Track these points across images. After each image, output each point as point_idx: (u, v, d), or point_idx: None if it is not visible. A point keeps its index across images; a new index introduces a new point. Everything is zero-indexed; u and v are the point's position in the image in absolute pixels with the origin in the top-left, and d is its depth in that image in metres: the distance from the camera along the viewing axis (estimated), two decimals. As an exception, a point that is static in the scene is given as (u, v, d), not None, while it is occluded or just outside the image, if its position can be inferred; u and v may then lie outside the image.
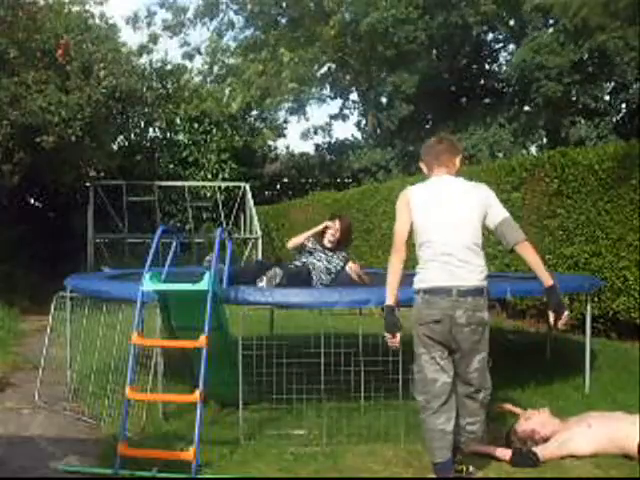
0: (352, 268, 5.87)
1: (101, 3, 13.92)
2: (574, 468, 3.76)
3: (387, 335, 3.43)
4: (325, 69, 19.54)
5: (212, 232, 13.56)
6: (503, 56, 19.19)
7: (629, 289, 7.43)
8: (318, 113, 60.21)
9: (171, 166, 19.09)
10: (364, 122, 21.08)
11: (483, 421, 3.50)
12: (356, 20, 16.35)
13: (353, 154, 19.34)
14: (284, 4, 18.23)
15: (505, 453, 3.87)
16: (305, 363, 4.30)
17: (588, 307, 5.60)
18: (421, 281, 3.41)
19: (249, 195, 16.99)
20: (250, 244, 16.19)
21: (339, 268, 5.76)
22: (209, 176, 18.95)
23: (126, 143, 18.83)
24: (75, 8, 13.27)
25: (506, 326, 8.94)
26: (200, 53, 20.48)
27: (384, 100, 19.29)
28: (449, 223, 3.37)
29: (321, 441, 4.15)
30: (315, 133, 21.86)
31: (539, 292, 5.16)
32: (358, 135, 22.27)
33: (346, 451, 4.02)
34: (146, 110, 16.57)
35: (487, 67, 19.28)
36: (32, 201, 17.38)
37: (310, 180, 21.38)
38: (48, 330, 5.67)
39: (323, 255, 5.80)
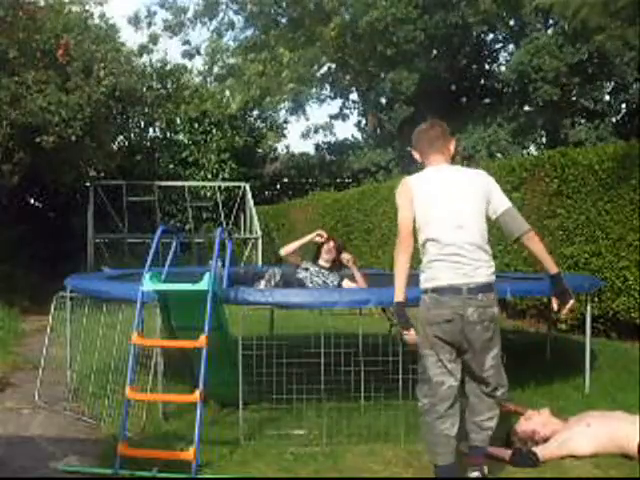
0: (346, 258, 5.95)
1: (101, 3, 13.94)
2: (574, 468, 3.76)
3: (403, 332, 3.30)
4: (325, 69, 19.57)
5: (212, 232, 13.57)
6: (503, 56, 19.23)
7: (629, 289, 7.43)
8: (318, 113, 60.24)
9: (171, 166, 19.11)
10: (364, 122, 21.10)
11: (498, 416, 3.42)
12: (356, 20, 16.35)
13: (353, 154, 19.35)
14: (284, 4, 18.23)
15: (505, 453, 3.87)
16: (305, 363, 4.30)
17: (588, 307, 5.59)
18: (428, 280, 3.28)
19: (249, 195, 17.00)
20: (250, 244, 16.19)
21: (335, 284, 5.80)
22: (209, 176, 18.97)
23: (126, 143, 18.85)
24: (75, 8, 13.27)
25: (506, 326, 8.92)
26: (199, 53, 20.51)
27: (384, 101, 19.30)
28: (454, 218, 3.24)
29: (321, 441, 4.15)
30: (316, 132, 21.88)
31: (539, 292, 5.14)
32: (358, 135, 22.31)
33: (346, 451, 4.02)
34: (146, 110, 16.59)
35: (487, 67, 19.29)
36: (32, 201, 17.39)
37: (310, 180, 21.39)
38: (48, 330, 5.67)
39: (320, 272, 5.85)
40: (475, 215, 3.28)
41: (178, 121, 19.65)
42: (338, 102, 21.55)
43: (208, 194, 18.43)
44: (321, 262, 5.96)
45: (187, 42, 20.52)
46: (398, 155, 17.78)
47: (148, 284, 4.15)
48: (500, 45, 19.27)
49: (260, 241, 15.92)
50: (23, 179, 11.73)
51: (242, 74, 18.34)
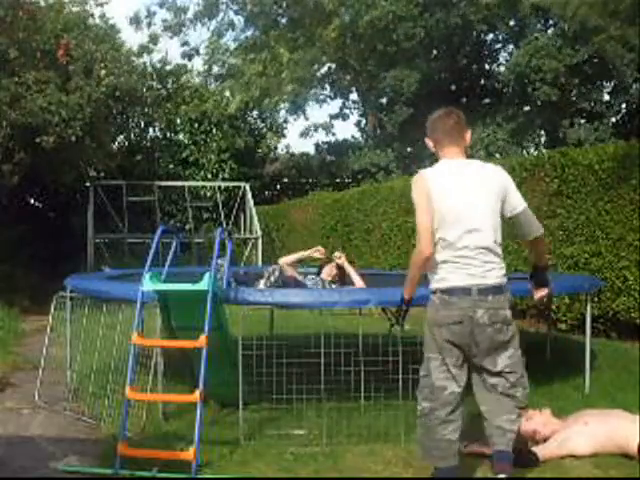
0: (337, 255, 6.00)
1: (101, 4, 13.94)
2: (574, 468, 3.76)
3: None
4: (325, 69, 19.58)
5: (212, 232, 13.57)
6: (503, 56, 19.23)
7: (629, 289, 7.43)
8: (318, 113, 60.29)
9: (171, 166, 19.10)
10: (364, 122, 21.10)
11: (518, 421, 3.30)
12: (356, 20, 16.36)
13: (353, 155, 19.35)
14: (284, 4, 18.23)
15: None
16: (305, 363, 4.30)
17: (588, 307, 5.59)
18: (438, 281, 3.21)
19: (249, 195, 17.00)
20: (250, 244, 16.20)
21: None
22: (209, 176, 18.97)
23: (126, 143, 18.85)
24: (75, 8, 13.27)
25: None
26: (199, 53, 20.52)
27: (384, 101, 19.29)
28: (468, 221, 3.16)
29: (321, 441, 4.15)
30: (315, 131, 21.88)
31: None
32: (358, 135, 22.31)
33: (346, 451, 4.02)
34: (146, 110, 16.58)
35: (487, 67, 19.29)
36: (32, 201, 17.39)
37: (310, 180, 21.39)
38: (48, 330, 5.67)
39: (321, 283, 5.87)
40: (489, 215, 3.20)
41: (178, 121, 19.65)
42: (338, 102, 21.58)
43: (208, 194, 18.42)
44: (323, 276, 5.99)
45: (186, 43, 20.55)
46: (398, 156, 17.79)
47: (148, 284, 4.15)
48: (500, 45, 19.29)
49: (260, 241, 15.92)
50: (23, 179, 11.73)
51: (242, 74, 18.34)
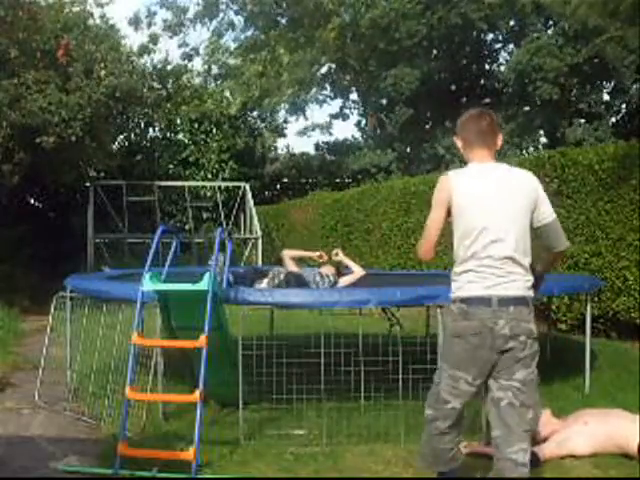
0: (334, 252, 6.14)
1: (102, 5, 13.94)
2: (574, 468, 3.77)
3: None
4: (325, 69, 19.59)
5: (212, 232, 13.57)
6: (503, 56, 19.25)
7: (629, 289, 7.43)
8: (318, 113, 60.27)
9: (171, 166, 19.10)
10: (364, 122, 21.11)
11: (530, 451, 3.03)
12: (356, 20, 16.37)
13: (353, 155, 19.35)
14: (284, 4, 18.24)
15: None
16: (305, 363, 4.30)
17: (588, 307, 5.60)
18: (458, 289, 3.06)
19: (249, 195, 17.00)
20: (250, 244, 16.19)
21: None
22: (209, 176, 18.97)
23: (126, 143, 18.85)
24: (75, 8, 13.27)
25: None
26: (198, 54, 20.54)
27: (384, 101, 19.30)
28: (493, 230, 3.00)
29: (321, 441, 4.15)
30: (313, 130, 21.92)
31: (540, 292, 5.15)
32: (358, 135, 22.33)
33: (346, 451, 4.03)
34: (146, 110, 16.57)
35: (487, 67, 19.31)
36: (32, 201, 17.38)
37: (310, 180, 21.40)
38: (48, 330, 5.67)
39: (319, 275, 5.91)
40: (517, 225, 3.04)
41: (178, 121, 19.65)
42: (338, 102, 21.62)
43: (208, 194, 18.42)
44: (322, 271, 6.04)
45: (185, 44, 20.58)
46: (398, 156, 17.79)
47: (148, 284, 4.15)
48: (500, 45, 19.31)
49: (260, 241, 15.92)
50: (23, 179, 11.73)
51: (241, 75, 18.35)
